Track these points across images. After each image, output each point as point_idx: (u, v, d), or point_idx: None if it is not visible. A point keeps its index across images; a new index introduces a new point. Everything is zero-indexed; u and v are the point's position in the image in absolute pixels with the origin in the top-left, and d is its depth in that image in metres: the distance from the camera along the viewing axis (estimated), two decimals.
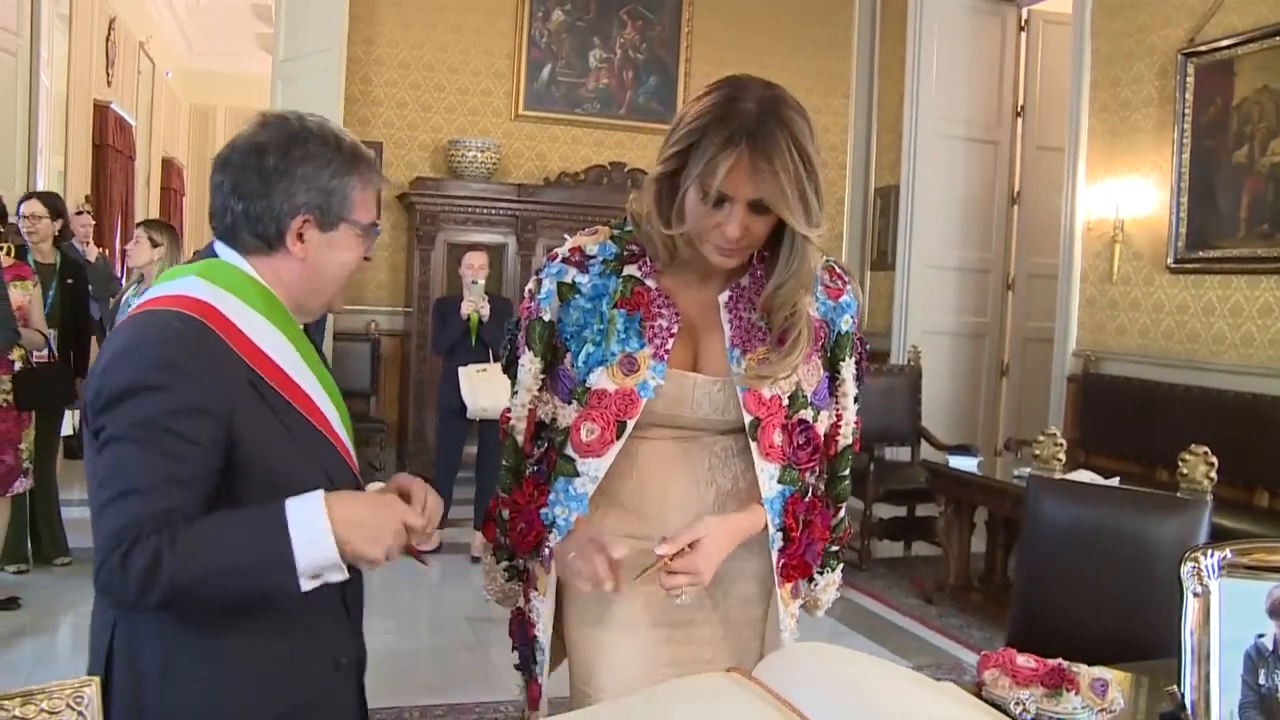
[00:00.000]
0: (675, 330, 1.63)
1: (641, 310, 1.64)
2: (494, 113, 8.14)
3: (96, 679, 1.00)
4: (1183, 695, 1.33)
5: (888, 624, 5.16)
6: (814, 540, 1.79)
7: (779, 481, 1.69)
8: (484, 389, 5.46)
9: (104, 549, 1.32)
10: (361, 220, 1.57)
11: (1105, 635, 2.41)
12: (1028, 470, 4.95)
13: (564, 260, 1.70)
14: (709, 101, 1.53)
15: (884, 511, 6.34)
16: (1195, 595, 1.51)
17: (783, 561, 1.75)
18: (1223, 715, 1.46)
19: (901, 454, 6.66)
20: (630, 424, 1.62)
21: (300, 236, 1.53)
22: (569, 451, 1.65)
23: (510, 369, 1.76)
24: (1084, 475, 4.23)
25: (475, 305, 5.79)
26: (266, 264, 1.54)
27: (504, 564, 1.82)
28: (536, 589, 1.72)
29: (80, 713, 0.96)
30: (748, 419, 1.66)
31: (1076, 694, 1.65)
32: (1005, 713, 1.59)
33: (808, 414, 1.72)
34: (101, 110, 9.65)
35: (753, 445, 1.66)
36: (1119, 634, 2.42)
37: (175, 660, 1.40)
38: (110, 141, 9.79)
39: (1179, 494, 2.97)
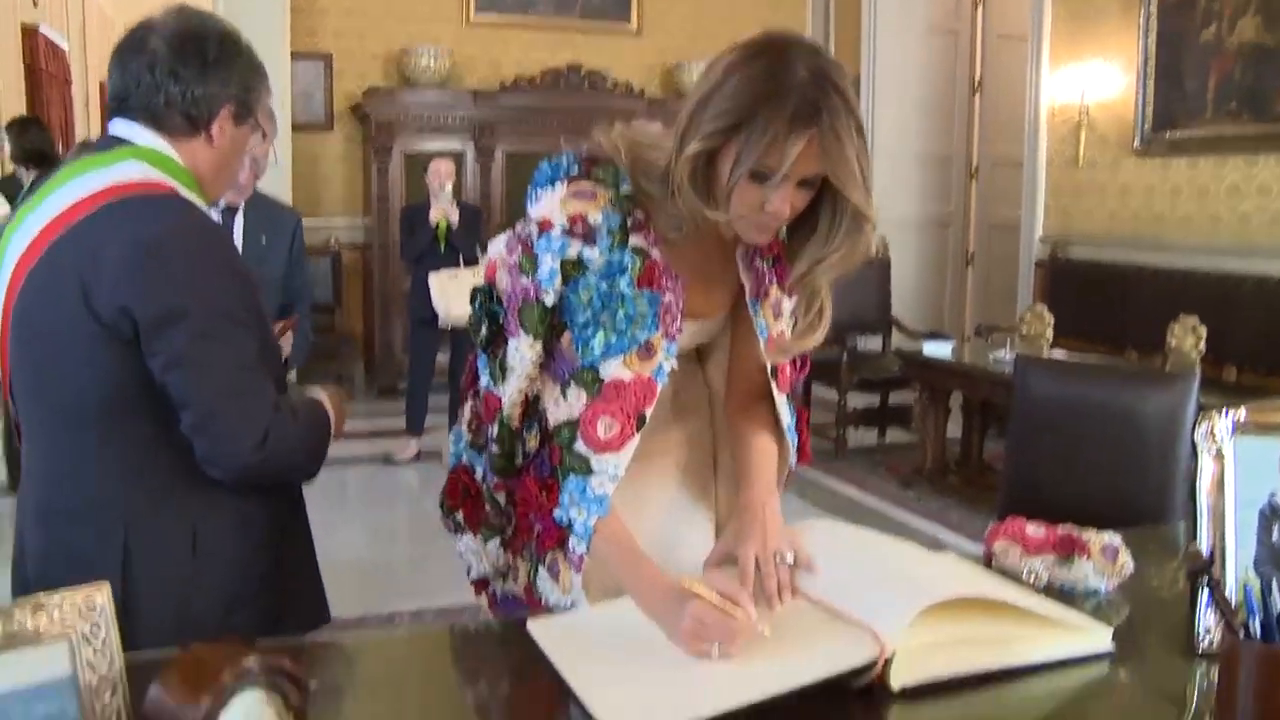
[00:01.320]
0: (683, 306, 1.49)
1: (655, 286, 1.47)
2: (445, 19, 7.92)
3: (106, 584, 0.95)
4: (1208, 552, 1.31)
5: (866, 510, 5.21)
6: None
7: (787, 404, 1.64)
8: (455, 296, 5.36)
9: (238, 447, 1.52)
10: (263, 122, 1.71)
11: (1095, 508, 2.42)
12: (1002, 353, 4.98)
13: (566, 232, 1.43)
14: (754, 72, 1.33)
15: (858, 401, 6.36)
16: (1210, 456, 1.49)
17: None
18: (1239, 572, 1.45)
19: (873, 343, 6.68)
20: (649, 413, 1.48)
21: (221, 126, 1.62)
22: (580, 449, 1.47)
23: (492, 348, 1.53)
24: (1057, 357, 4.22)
25: (444, 212, 5.70)
26: (185, 147, 1.60)
27: (493, 541, 1.65)
28: (558, 583, 1.53)
29: (94, 621, 0.91)
30: (769, 366, 1.60)
31: (1088, 560, 1.63)
32: (1017, 581, 1.57)
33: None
34: (31, 34, 9.28)
35: (773, 384, 1.60)
36: (1109, 506, 2.43)
37: (203, 542, 1.57)
38: (43, 65, 9.43)
39: (1167, 369, 2.97)
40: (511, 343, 1.49)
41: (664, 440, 1.63)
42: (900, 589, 1.35)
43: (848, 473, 5.80)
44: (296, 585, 1.73)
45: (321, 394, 1.74)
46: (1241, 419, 1.49)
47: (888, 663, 1.26)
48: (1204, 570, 1.26)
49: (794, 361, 1.64)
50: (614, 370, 1.46)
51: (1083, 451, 2.57)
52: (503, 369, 1.51)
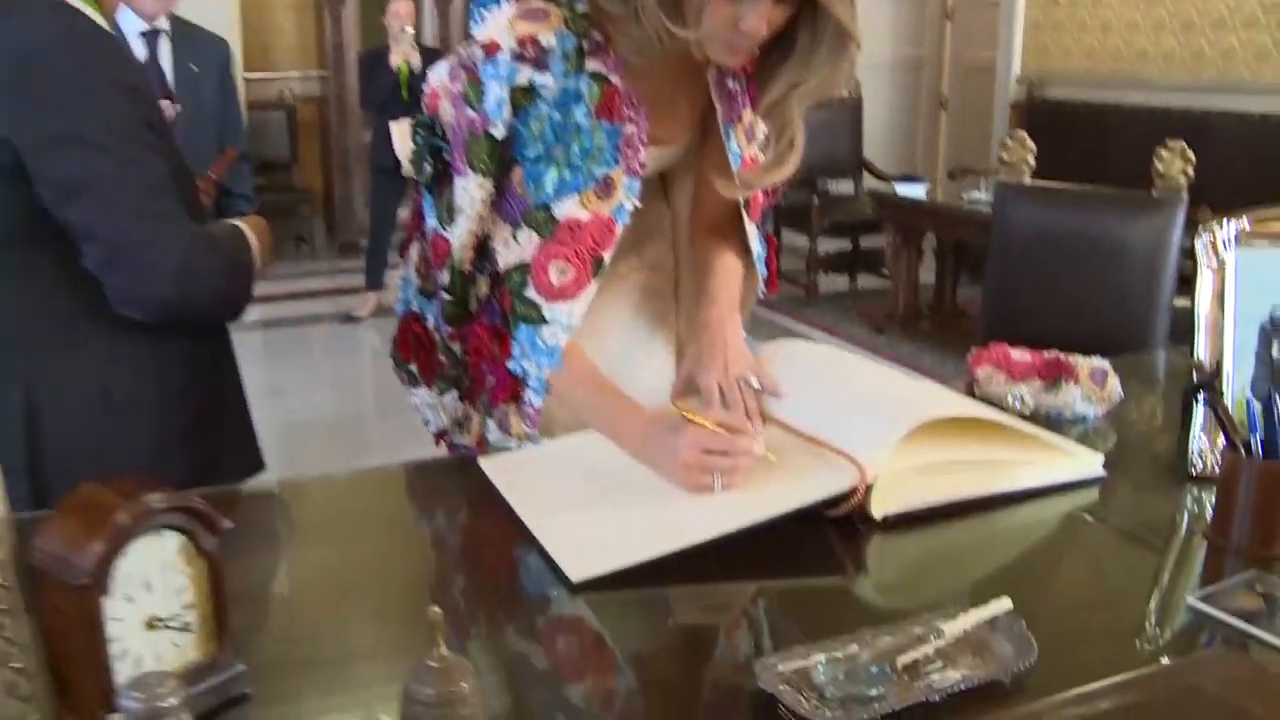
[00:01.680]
0: (646, 139, 1.37)
1: (615, 117, 1.34)
2: None
3: None
4: (1212, 365, 1.22)
5: None
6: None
7: (757, 234, 1.56)
8: None
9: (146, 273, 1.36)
10: None
11: (1077, 339, 2.35)
12: (978, 194, 4.85)
13: (516, 57, 1.28)
14: None
15: (828, 246, 6.27)
16: (1210, 269, 1.39)
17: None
18: (1235, 389, 1.36)
19: (844, 187, 6.54)
20: (608, 258, 1.36)
21: None
22: (531, 295, 1.35)
23: (438, 188, 1.39)
24: None
25: (405, 55, 5.44)
26: None
27: (450, 394, 1.54)
28: (511, 433, 1.44)
29: None
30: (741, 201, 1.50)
31: (1076, 385, 1.56)
32: (1002, 409, 1.49)
33: None
34: None
35: (744, 213, 1.51)
36: (1091, 337, 2.35)
37: (117, 391, 1.43)
38: None
39: (1154, 193, 2.86)
40: (458, 181, 1.36)
41: (622, 265, 1.54)
42: (880, 411, 1.26)
43: (818, 318, 5.74)
44: (225, 435, 1.60)
45: (243, 223, 1.58)
46: (1246, 227, 1.38)
47: (869, 490, 1.18)
48: (1207, 385, 1.16)
49: (765, 189, 1.53)
50: (569, 209, 1.34)
51: (1065, 281, 2.49)
52: (450, 210, 1.38)
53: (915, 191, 5.27)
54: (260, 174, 7.15)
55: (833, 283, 6.39)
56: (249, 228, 1.57)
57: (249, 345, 5.48)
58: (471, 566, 1.18)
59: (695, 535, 1.12)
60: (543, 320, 1.35)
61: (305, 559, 1.20)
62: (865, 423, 1.24)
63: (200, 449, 1.52)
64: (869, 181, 6.44)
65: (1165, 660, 0.98)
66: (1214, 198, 4.94)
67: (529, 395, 1.37)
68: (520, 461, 1.37)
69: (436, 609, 0.81)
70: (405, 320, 1.55)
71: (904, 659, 0.92)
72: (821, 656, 0.91)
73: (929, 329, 5.28)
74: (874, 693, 0.87)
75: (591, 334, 1.44)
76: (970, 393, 1.59)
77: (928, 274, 5.50)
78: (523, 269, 1.36)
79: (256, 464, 1.64)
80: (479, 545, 1.24)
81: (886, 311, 5.57)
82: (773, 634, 1.03)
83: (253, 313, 6.19)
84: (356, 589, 1.12)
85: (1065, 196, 2.57)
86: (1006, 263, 2.58)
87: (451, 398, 1.53)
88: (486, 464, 1.35)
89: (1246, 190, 4.82)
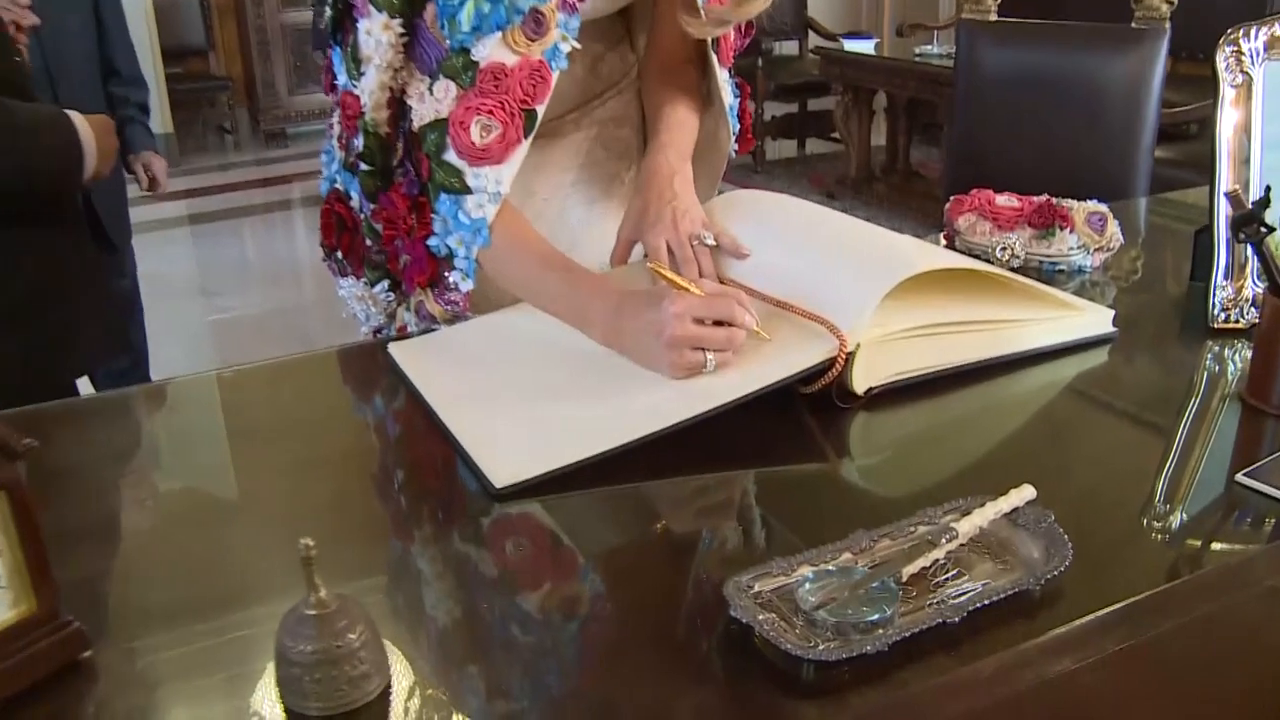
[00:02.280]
0: None
1: None
2: None
3: None
4: (1231, 197, 1.02)
5: None
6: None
7: (729, 82, 1.42)
8: None
9: None
10: None
11: (1057, 186, 2.21)
12: (930, 48, 4.63)
13: None
14: None
15: (775, 110, 6.04)
16: (1233, 86, 1.19)
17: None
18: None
19: (789, 48, 6.28)
20: (540, 111, 1.18)
21: None
22: (451, 158, 1.17)
23: (342, 35, 1.22)
24: None
25: None
26: None
27: (381, 284, 1.35)
28: (439, 324, 1.29)
29: None
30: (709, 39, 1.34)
31: (1071, 231, 1.38)
32: (986, 261, 1.31)
33: None
34: None
35: (713, 58, 1.36)
36: (1068, 188, 2.21)
37: None
38: None
39: (1134, 24, 2.65)
40: (362, 25, 1.17)
41: (574, 121, 1.39)
42: (857, 268, 1.08)
43: (767, 186, 5.44)
44: (76, 318, 1.54)
45: (77, 114, 1.51)
46: (1278, 35, 1.18)
47: (849, 361, 1.00)
48: (1250, 219, 0.96)
49: (737, 27, 1.37)
50: (491, 51, 1.14)
51: (1037, 126, 2.32)
52: (356, 60, 1.19)
53: (864, 46, 5.04)
54: (176, 63, 6.77)
55: (781, 148, 6.19)
56: (82, 120, 1.52)
57: (177, 243, 5.21)
58: (394, 468, 1.00)
59: (648, 425, 0.95)
60: (465, 189, 1.16)
61: (168, 482, 0.99)
62: (840, 282, 1.06)
63: (43, 334, 1.47)
64: (814, 40, 6.16)
65: (1220, 549, 0.80)
66: (1197, 31, 4.74)
67: (455, 278, 1.19)
68: (437, 345, 1.21)
69: (308, 541, 0.63)
70: (329, 200, 1.35)
71: (910, 568, 0.74)
72: (807, 571, 0.73)
73: (884, 192, 5.09)
74: (876, 616, 0.69)
75: (535, 202, 1.33)
76: (950, 246, 1.42)
77: (879, 136, 5.30)
78: (439, 127, 1.16)
79: (118, 347, 1.62)
80: (403, 443, 1.05)
81: (838, 176, 5.37)
82: (746, 540, 0.85)
83: (178, 208, 5.89)
84: (233, 513, 0.92)
85: (1036, 32, 2.35)
86: (971, 111, 2.39)
87: (383, 289, 1.34)
88: (397, 350, 1.18)
89: (1232, 20, 4.61)
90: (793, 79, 5.82)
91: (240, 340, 4.04)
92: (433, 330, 1.26)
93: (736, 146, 1.42)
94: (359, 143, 1.22)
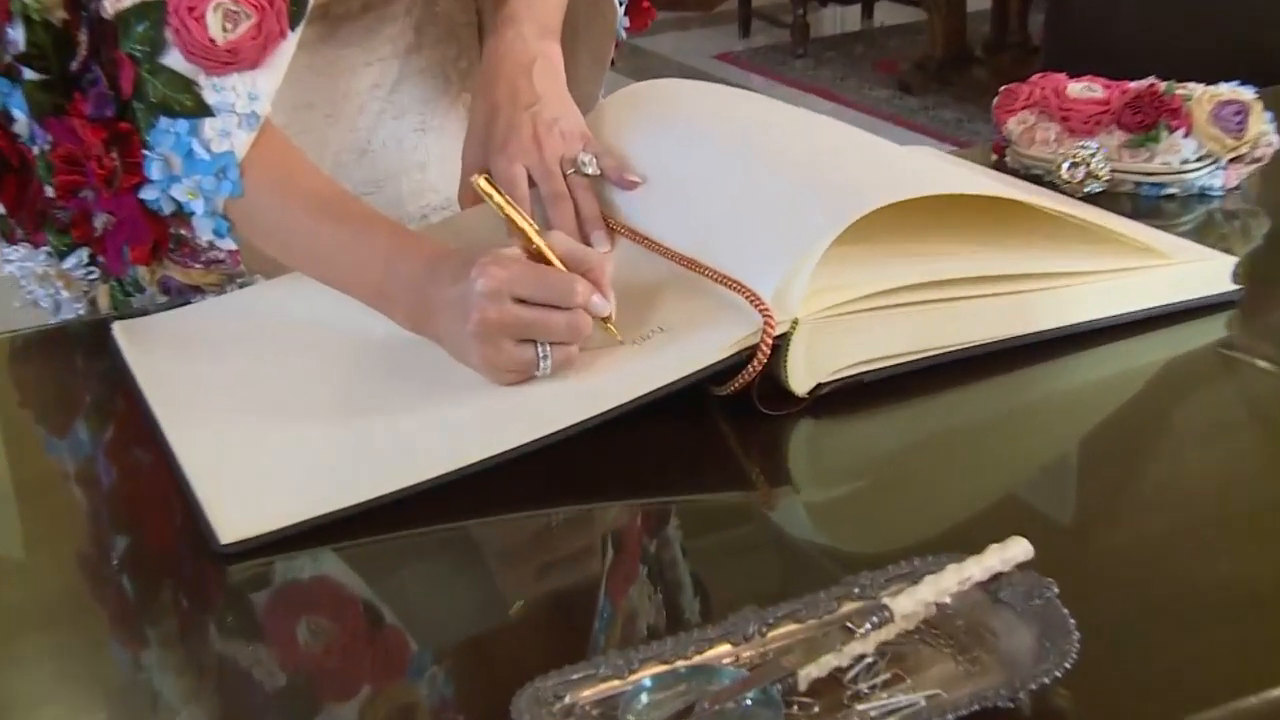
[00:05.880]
0: None
1: None
2: None
3: None
4: None
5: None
6: None
7: None
8: None
9: None
10: None
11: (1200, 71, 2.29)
12: None
13: None
14: None
15: None
16: None
17: None
18: None
19: None
20: None
21: None
22: (174, 62, 1.18)
23: None
24: None
25: None
26: None
27: (76, 257, 1.37)
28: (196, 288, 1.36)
29: None
30: None
31: (1187, 134, 1.40)
32: (1045, 185, 1.39)
33: None
34: None
35: None
36: (1223, 65, 2.28)
37: None
38: None
39: None
40: None
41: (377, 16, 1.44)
42: (802, 197, 1.11)
43: (813, 75, 5.68)
44: None
45: None
46: None
47: (779, 346, 1.01)
48: None
49: None
50: None
51: None
52: None
53: None
54: None
55: (839, 18, 6.35)
56: None
57: None
58: (100, 511, 1.06)
59: (467, 452, 0.99)
60: (201, 109, 1.18)
61: None
62: (774, 221, 1.10)
63: None
64: None
65: None
66: None
67: (202, 233, 1.22)
68: (183, 326, 1.26)
69: None
70: None
71: (814, 669, 0.73)
72: (648, 673, 0.73)
73: (985, 79, 5.09)
74: None
75: (314, 120, 1.38)
76: (999, 164, 1.50)
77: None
78: (151, 13, 1.18)
79: None
80: (117, 473, 1.11)
81: (918, 58, 5.49)
82: (586, 616, 0.86)
83: None
84: None
85: None
86: None
87: (79, 263, 1.37)
88: (124, 333, 1.22)
89: None
90: None
91: None
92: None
93: (627, 20, 1.47)
94: (17, 35, 1.23)
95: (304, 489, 0.97)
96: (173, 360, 1.19)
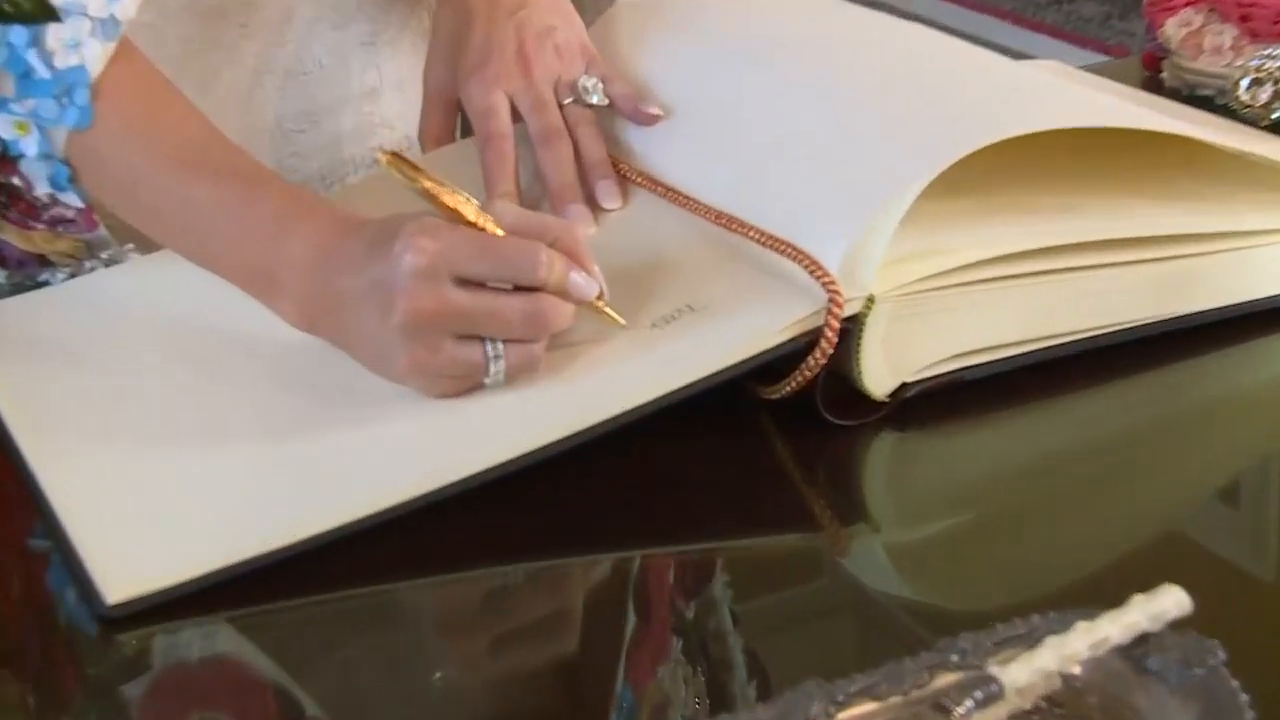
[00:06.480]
0: None
1: None
2: None
3: None
4: None
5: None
6: None
7: None
8: None
9: None
10: None
11: None
12: None
13: None
14: None
15: None
16: None
17: None
18: None
19: None
20: None
21: None
22: None
23: None
24: None
25: None
26: None
27: None
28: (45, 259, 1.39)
29: None
30: None
31: None
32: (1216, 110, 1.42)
33: None
34: None
35: None
36: None
37: None
38: None
39: None
40: None
41: None
42: (890, 122, 1.16)
43: None
44: None
45: None
46: None
47: (850, 332, 1.04)
48: None
49: None
50: None
51: None
52: None
53: None
54: None
55: None
56: None
57: None
58: None
59: (406, 486, 1.00)
60: (44, 9, 1.21)
61: None
62: (844, 163, 1.13)
63: None
64: None
65: None
66: None
67: (37, 181, 1.26)
68: (29, 316, 1.32)
69: None
70: None
71: None
72: None
73: None
74: None
75: (206, 37, 1.39)
76: (1152, 82, 1.57)
77: None
78: None
79: None
80: None
81: None
82: (577, 703, 0.89)
83: None
84: None
85: None
86: None
87: None
88: None
89: None
90: None
91: None
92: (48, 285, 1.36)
93: None
94: None
95: (204, 533, 0.99)
96: (27, 365, 1.22)
